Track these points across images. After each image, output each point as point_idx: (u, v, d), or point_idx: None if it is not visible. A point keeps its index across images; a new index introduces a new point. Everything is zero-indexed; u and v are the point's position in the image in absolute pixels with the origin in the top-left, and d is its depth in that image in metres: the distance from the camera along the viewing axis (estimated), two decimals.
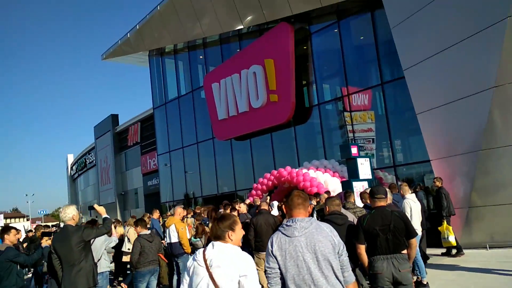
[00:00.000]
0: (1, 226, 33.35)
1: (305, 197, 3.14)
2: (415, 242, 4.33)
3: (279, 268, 2.92)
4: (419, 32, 11.00)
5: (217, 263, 2.74)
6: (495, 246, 9.70)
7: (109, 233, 7.29)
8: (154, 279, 6.93)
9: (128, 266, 8.26)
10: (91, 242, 6.30)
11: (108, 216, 5.32)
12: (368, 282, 6.99)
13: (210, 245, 2.87)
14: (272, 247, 2.98)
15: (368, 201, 8.11)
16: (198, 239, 8.01)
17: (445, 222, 9.38)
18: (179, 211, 8.53)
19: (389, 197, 5.22)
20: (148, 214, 11.50)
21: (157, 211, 11.16)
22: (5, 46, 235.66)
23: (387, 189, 5.35)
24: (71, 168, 52.66)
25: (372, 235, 4.21)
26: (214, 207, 7.47)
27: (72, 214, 5.04)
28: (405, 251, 4.26)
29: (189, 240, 8.10)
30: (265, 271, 3.01)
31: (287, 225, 3.02)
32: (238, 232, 2.94)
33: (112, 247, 7.81)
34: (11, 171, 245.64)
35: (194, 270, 2.81)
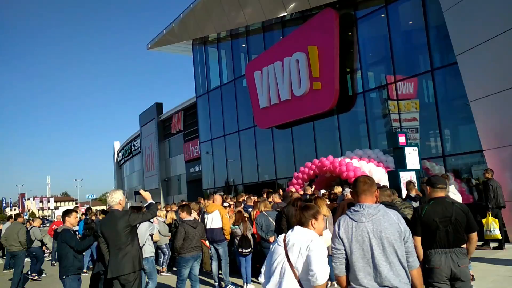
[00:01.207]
0: (58, 209, 34.81)
1: (372, 183, 3.20)
2: (475, 236, 4.07)
3: (345, 250, 3.06)
4: (474, 16, 10.40)
5: (293, 244, 3.07)
6: None
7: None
8: (197, 265, 7.01)
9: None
10: (137, 227, 6.49)
11: (153, 201, 5.38)
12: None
13: (290, 230, 3.19)
14: (339, 230, 3.10)
15: (413, 192, 7.88)
16: (237, 226, 7.93)
17: (490, 215, 8.88)
18: (219, 198, 8.55)
19: (450, 189, 4.89)
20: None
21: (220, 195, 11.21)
22: (57, 34, 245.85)
23: (446, 180, 5.05)
24: (118, 154, 54.46)
25: (431, 227, 3.96)
26: (299, 197, 7.28)
27: (119, 199, 5.14)
28: (464, 246, 4.01)
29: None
30: (332, 252, 3.14)
31: (354, 210, 3.11)
32: (321, 222, 3.25)
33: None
34: (62, 157, 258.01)
35: (274, 250, 3.18)
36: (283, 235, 3.23)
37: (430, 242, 3.99)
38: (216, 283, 8.00)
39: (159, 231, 8.54)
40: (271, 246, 3.29)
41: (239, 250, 7.73)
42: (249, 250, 7.70)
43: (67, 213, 6.03)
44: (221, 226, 7.91)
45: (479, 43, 10.25)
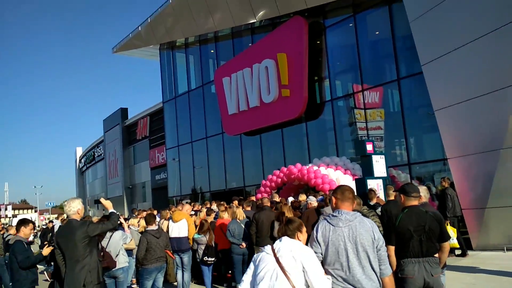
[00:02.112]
0: (15, 217, 33.23)
1: (353, 192, 3.44)
2: (448, 245, 4.05)
3: (321, 253, 3.20)
4: (439, 27, 10.62)
5: (284, 251, 3.05)
6: None
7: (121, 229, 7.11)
8: (161, 276, 6.72)
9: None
10: (108, 239, 6.14)
11: (115, 211, 5.06)
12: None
13: (278, 240, 3.20)
14: (317, 233, 3.25)
15: (373, 201, 7.88)
16: (202, 235, 7.91)
17: (448, 224, 9.01)
18: (188, 207, 8.63)
19: (426, 196, 4.82)
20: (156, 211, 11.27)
21: (188, 203, 11.04)
22: (16, 37, 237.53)
23: (423, 187, 4.99)
24: (80, 161, 52.80)
25: (405, 236, 3.90)
26: (281, 212, 7.29)
27: (77, 208, 4.79)
28: (437, 255, 3.97)
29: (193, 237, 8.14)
30: None
31: (333, 216, 3.28)
32: (305, 234, 3.32)
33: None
34: (20, 163, 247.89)
35: (260, 259, 3.12)
36: (269, 246, 3.19)
37: (403, 251, 3.92)
38: None
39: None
40: (255, 257, 3.23)
41: (204, 258, 7.76)
42: (213, 259, 7.83)
43: (23, 222, 5.60)
44: (187, 235, 7.90)
45: (444, 53, 10.46)
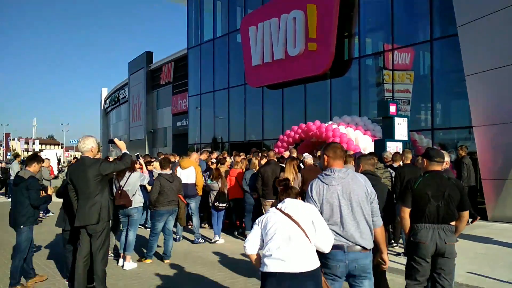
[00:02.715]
0: (42, 152, 34.43)
1: (344, 150, 3.47)
2: (467, 215, 3.91)
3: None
4: None
5: (291, 208, 3.11)
6: None
7: (141, 170, 7.23)
8: (172, 219, 6.86)
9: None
10: (126, 178, 6.26)
11: (127, 152, 5.10)
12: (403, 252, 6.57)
13: (280, 202, 3.23)
14: (311, 192, 3.32)
15: (397, 163, 7.73)
16: (214, 181, 8.17)
17: None
18: (195, 156, 8.88)
19: (448, 161, 4.65)
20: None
21: (206, 152, 11.56)
22: None
23: (446, 153, 4.81)
24: (105, 101, 53.49)
25: (422, 201, 3.80)
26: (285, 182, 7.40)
27: (90, 146, 4.84)
28: (453, 223, 3.87)
29: (205, 182, 8.49)
30: None
31: (326, 174, 3.34)
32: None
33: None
34: (49, 101, 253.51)
35: (267, 219, 3.11)
36: (273, 208, 3.21)
37: (418, 216, 3.84)
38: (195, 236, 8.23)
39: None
40: (259, 219, 3.20)
41: (216, 204, 8.06)
42: (225, 204, 8.10)
43: (36, 159, 5.65)
44: (194, 182, 8.18)
45: (482, 15, 9.85)
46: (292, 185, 3.40)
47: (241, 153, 11.17)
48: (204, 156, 11.07)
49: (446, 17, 11.81)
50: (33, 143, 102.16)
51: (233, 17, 21.24)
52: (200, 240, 8.12)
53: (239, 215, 9.19)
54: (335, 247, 3.16)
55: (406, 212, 3.88)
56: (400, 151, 9.94)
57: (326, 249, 3.09)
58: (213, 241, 8.14)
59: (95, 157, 4.92)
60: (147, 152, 31.24)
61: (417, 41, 13.30)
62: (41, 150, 61.56)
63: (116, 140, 5.26)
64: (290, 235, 2.98)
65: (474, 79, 10.26)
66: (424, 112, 13.44)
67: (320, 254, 3.13)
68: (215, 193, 8.12)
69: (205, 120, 23.57)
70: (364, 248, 3.21)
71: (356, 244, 3.20)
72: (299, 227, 3.01)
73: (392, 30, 13.80)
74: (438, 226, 3.78)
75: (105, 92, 54.04)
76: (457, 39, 10.71)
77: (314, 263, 2.97)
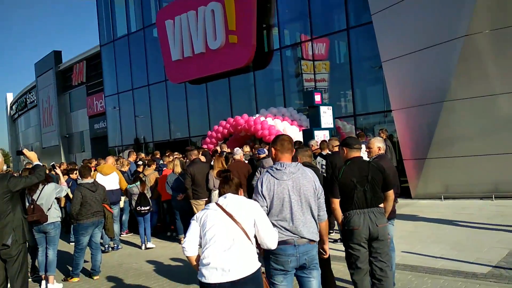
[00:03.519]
0: None
1: (292, 142, 3.39)
2: (392, 194, 4.04)
3: (266, 206, 3.19)
4: None
5: (232, 206, 2.93)
6: (449, 197, 9.80)
7: (59, 182, 6.56)
8: (98, 232, 6.27)
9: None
10: (39, 191, 5.55)
11: (40, 163, 4.48)
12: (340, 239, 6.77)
13: (221, 197, 3.04)
14: (261, 187, 3.21)
15: (325, 151, 7.85)
16: (134, 185, 7.93)
17: None
18: (112, 160, 8.72)
19: (383, 147, 4.69)
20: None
21: (134, 153, 11.30)
22: None
23: (379, 139, 4.86)
24: (11, 107, 49.12)
25: (349, 188, 3.88)
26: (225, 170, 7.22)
27: None
28: (382, 205, 3.97)
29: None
30: None
31: (277, 169, 3.24)
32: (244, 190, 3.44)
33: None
34: None
35: (207, 216, 2.92)
36: (213, 203, 3.02)
37: (348, 203, 3.91)
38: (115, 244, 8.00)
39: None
40: (198, 215, 3.00)
41: (138, 208, 7.77)
42: (147, 208, 7.78)
43: None
44: (118, 188, 8.00)
45: (395, 2, 10.26)
46: (232, 176, 3.18)
47: (175, 153, 10.74)
48: (132, 158, 10.70)
49: (360, 6, 12.20)
50: None
51: (148, 11, 20.33)
52: (120, 246, 8.01)
53: (172, 218, 8.78)
54: (284, 242, 3.14)
55: (337, 203, 3.94)
56: (327, 139, 10.18)
57: (272, 245, 3.03)
58: (143, 248, 7.86)
59: (1, 172, 4.25)
60: (62, 160, 29.15)
61: (333, 30, 13.63)
62: None
63: (25, 150, 4.61)
64: (231, 239, 2.84)
65: (390, 65, 10.70)
66: (344, 99, 13.86)
67: (269, 251, 3.10)
68: (135, 198, 7.84)
69: (125, 120, 22.44)
70: (311, 240, 3.23)
71: (304, 238, 3.19)
72: (241, 228, 2.87)
73: (310, 21, 14.02)
74: (367, 210, 3.86)
75: (10, 97, 49.59)
76: (371, 26, 11.09)
77: (254, 266, 2.85)
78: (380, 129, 10.63)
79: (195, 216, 3.03)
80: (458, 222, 7.52)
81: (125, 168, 9.23)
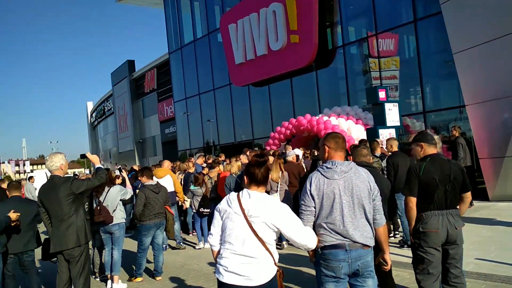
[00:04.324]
0: (32, 172, 33.65)
1: (343, 139, 3.18)
2: (470, 196, 3.73)
3: (314, 207, 2.99)
4: None
5: (255, 210, 2.76)
6: None
7: (124, 184, 6.85)
8: (160, 233, 6.45)
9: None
10: (105, 193, 5.85)
11: (102, 166, 4.69)
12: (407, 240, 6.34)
13: (245, 194, 2.84)
14: (310, 187, 3.02)
15: (379, 151, 7.45)
16: (198, 187, 8.18)
17: None
18: (168, 163, 9.09)
19: (440, 145, 4.41)
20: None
21: (202, 156, 11.80)
22: None
23: (436, 137, 4.52)
24: (91, 115, 52.86)
25: (430, 187, 3.58)
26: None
27: (60, 163, 4.42)
28: (458, 206, 3.70)
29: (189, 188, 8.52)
30: (300, 208, 3.07)
31: (327, 167, 3.04)
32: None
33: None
34: (36, 120, 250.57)
35: (229, 216, 2.82)
36: (235, 198, 2.86)
37: (426, 203, 3.62)
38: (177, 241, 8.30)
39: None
40: (221, 207, 2.91)
41: (200, 210, 8.03)
42: (209, 210, 8.02)
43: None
44: (173, 190, 8.34)
45: None
46: (268, 162, 3.00)
47: (221, 155, 11.00)
48: (200, 161, 11.12)
49: None
50: (24, 164, 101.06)
51: (212, 17, 20.84)
52: (182, 244, 8.31)
53: None
54: (335, 246, 2.94)
55: (414, 202, 3.65)
56: (394, 137, 9.69)
57: (310, 246, 2.91)
58: (197, 247, 8.13)
59: (66, 175, 4.50)
60: (137, 163, 30.76)
61: (400, 23, 12.99)
62: (31, 171, 60.66)
63: (88, 154, 4.86)
64: (248, 246, 2.73)
65: (462, 57, 9.96)
66: (413, 96, 13.15)
67: (319, 255, 2.99)
68: (198, 199, 8.12)
69: (193, 124, 23.15)
70: (365, 245, 2.98)
71: (357, 243, 2.95)
72: (257, 237, 2.73)
73: (375, 15, 13.49)
74: (446, 212, 3.59)
75: (90, 106, 53.43)
76: (441, 17, 10.40)
77: (270, 273, 2.74)
78: (453, 126, 9.94)
79: (218, 207, 2.92)
80: None
81: (192, 170, 9.62)
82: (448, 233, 3.55)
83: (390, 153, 7.13)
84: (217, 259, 2.85)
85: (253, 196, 2.82)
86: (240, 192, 2.88)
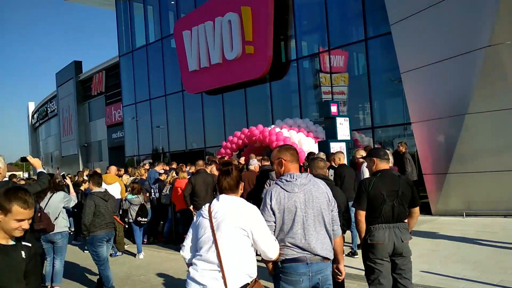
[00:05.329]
0: None
1: (296, 151, 3.18)
2: (418, 211, 3.92)
3: (274, 222, 2.94)
4: None
5: (222, 214, 2.71)
6: (471, 214, 9.39)
7: (68, 191, 6.45)
8: (109, 245, 5.99)
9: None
10: (48, 200, 5.47)
11: (44, 170, 4.38)
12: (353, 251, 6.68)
13: (216, 199, 2.83)
14: (271, 201, 2.95)
15: (339, 161, 7.63)
16: (135, 196, 8.10)
17: None
18: (114, 170, 9.07)
19: (391, 160, 4.55)
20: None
21: (162, 163, 11.62)
22: None
23: (389, 151, 4.66)
24: (32, 116, 50.15)
25: (377, 201, 3.72)
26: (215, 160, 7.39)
27: None
28: (406, 220, 3.85)
29: (125, 197, 8.37)
30: None
31: (287, 181, 3.00)
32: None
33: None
34: None
35: (199, 223, 2.78)
36: (207, 205, 2.83)
37: (374, 217, 3.76)
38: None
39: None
40: (195, 218, 2.88)
41: (138, 219, 7.92)
42: (146, 219, 8.00)
43: None
44: (120, 197, 8.29)
45: (414, 12, 10.02)
46: (233, 171, 2.88)
47: (181, 164, 10.71)
48: (159, 167, 10.92)
49: (379, 16, 11.99)
50: None
51: (166, 22, 20.51)
52: (118, 253, 8.14)
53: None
54: (295, 260, 2.89)
55: (363, 215, 3.79)
56: (344, 150, 9.92)
57: (272, 256, 2.85)
58: (137, 257, 7.98)
59: (4, 179, 4.15)
60: (80, 169, 29.43)
61: (352, 41, 13.43)
62: None
63: (29, 157, 4.52)
64: (209, 247, 2.67)
65: (409, 76, 10.43)
66: (362, 111, 13.59)
67: (278, 269, 2.93)
68: (136, 208, 7.96)
69: (142, 130, 22.54)
70: (325, 258, 2.97)
71: (317, 255, 2.93)
72: (215, 238, 2.66)
73: (328, 32, 13.86)
74: (393, 225, 3.74)
75: (32, 106, 50.68)
76: (390, 37, 10.85)
77: (237, 283, 2.64)
78: (399, 142, 10.36)
79: (193, 221, 2.89)
80: (481, 241, 7.16)
81: (144, 176, 9.46)
82: (395, 246, 3.69)
83: (337, 166, 7.33)
84: (190, 276, 2.74)
85: (221, 199, 2.80)
86: (212, 202, 2.85)
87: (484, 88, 8.97)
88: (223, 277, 2.61)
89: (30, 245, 2.35)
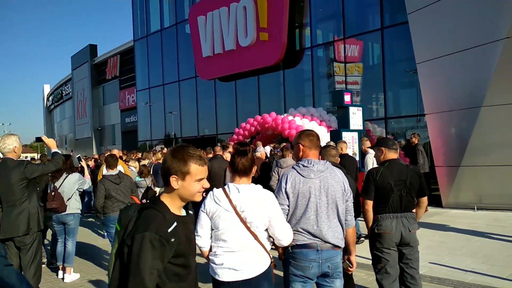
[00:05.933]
0: None
1: (318, 137, 3.15)
2: (426, 201, 3.91)
3: (288, 206, 2.96)
4: None
5: (246, 205, 2.68)
6: (482, 208, 9.31)
7: (83, 173, 6.54)
8: None
9: None
10: (62, 180, 5.55)
11: (59, 151, 4.45)
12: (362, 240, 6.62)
13: (233, 188, 2.73)
14: (286, 185, 2.97)
15: (341, 151, 7.62)
16: (142, 179, 8.07)
17: None
18: (117, 153, 8.85)
19: (398, 151, 4.53)
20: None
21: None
22: None
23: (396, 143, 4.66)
24: (47, 99, 50.69)
25: (385, 191, 3.73)
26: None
27: (13, 146, 4.17)
28: (414, 210, 3.86)
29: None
30: None
31: (304, 166, 3.01)
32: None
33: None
34: None
35: (219, 215, 2.69)
36: (222, 194, 2.74)
37: (382, 206, 3.78)
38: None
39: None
40: (207, 207, 2.75)
41: (143, 201, 7.77)
42: None
43: None
44: None
45: (432, 2, 9.83)
46: (249, 152, 2.85)
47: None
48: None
49: (396, 5, 11.80)
50: None
51: (181, 7, 20.45)
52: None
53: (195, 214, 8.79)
54: (306, 246, 2.93)
55: (370, 204, 3.82)
56: (356, 140, 9.89)
57: (286, 242, 2.88)
58: None
59: (19, 159, 4.25)
60: (94, 152, 29.81)
61: (367, 29, 13.26)
62: None
63: (44, 137, 4.60)
64: (243, 242, 2.69)
65: (424, 67, 10.28)
66: (375, 101, 13.47)
67: (289, 254, 2.96)
68: (142, 191, 7.91)
69: (155, 115, 22.68)
70: (336, 246, 2.99)
71: (328, 243, 2.95)
72: (251, 233, 2.69)
73: (344, 20, 13.70)
74: (401, 215, 3.75)
75: (47, 89, 51.18)
76: (407, 26, 10.69)
77: (266, 263, 2.73)
78: (413, 133, 10.26)
79: (204, 207, 2.77)
80: (491, 234, 7.11)
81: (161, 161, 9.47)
82: (402, 235, 3.71)
83: (339, 155, 7.36)
84: (211, 258, 2.75)
85: (242, 191, 2.73)
86: (227, 187, 2.77)
87: (502, 80, 8.80)
88: (256, 260, 2.68)
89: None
